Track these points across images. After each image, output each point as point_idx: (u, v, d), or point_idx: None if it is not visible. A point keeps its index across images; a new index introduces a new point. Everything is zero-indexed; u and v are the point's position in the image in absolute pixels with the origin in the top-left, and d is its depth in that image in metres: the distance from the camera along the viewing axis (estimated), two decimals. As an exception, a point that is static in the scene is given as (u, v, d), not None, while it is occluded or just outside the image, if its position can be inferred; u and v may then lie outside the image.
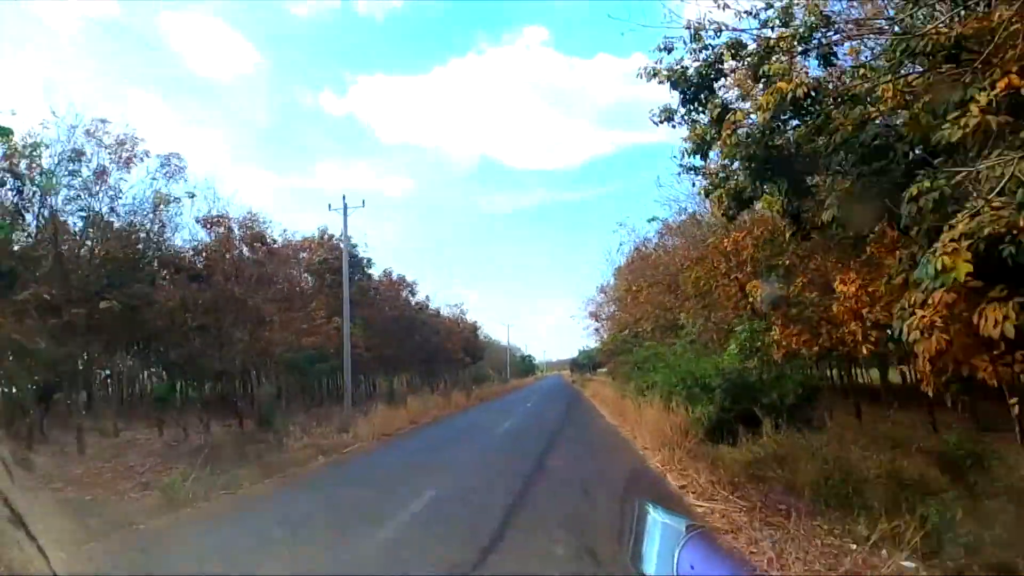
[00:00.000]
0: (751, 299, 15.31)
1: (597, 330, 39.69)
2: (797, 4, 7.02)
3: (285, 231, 25.83)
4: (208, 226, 15.91)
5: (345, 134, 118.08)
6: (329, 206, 19.81)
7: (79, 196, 13.58)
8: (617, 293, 27.95)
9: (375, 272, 31.68)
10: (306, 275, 25.42)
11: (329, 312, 22.03)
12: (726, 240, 15.47)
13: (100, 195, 13.86)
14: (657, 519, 1.31)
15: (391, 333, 30.42)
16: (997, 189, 4.60)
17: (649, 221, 22.25)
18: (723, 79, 7.96)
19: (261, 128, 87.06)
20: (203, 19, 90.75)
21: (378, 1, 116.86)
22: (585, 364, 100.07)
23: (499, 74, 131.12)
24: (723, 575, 1.27)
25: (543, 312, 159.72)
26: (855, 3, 8.30)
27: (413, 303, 34.40)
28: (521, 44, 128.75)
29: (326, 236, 26.22)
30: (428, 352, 39.86)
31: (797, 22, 6.96)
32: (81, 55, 63.74)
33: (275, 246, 20.30)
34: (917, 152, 5.95)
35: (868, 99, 6.78)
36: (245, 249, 17.58)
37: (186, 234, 16.29)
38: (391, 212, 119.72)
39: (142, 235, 15.35)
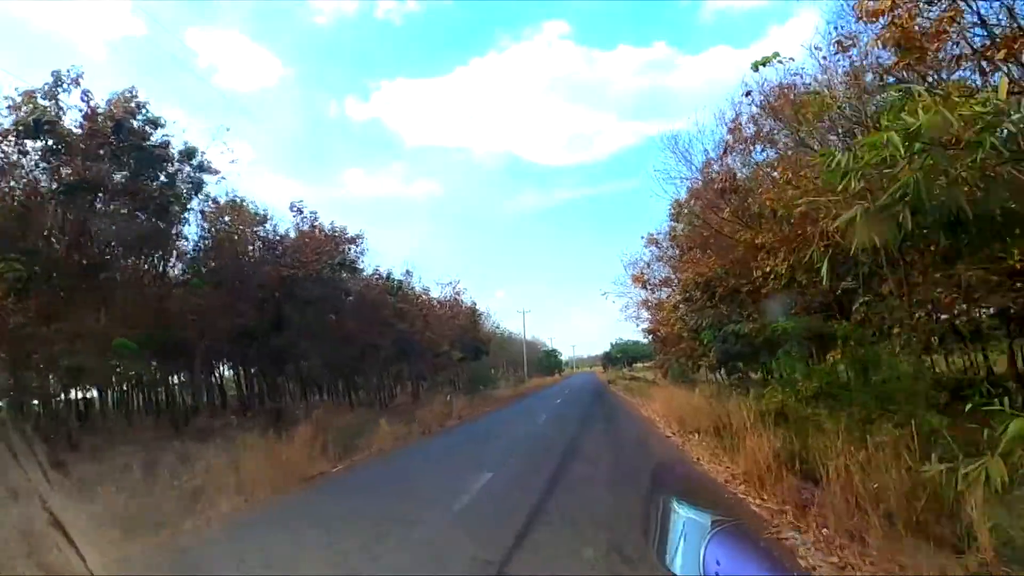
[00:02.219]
0: None
1: (645, 303, 26.21)
2: None
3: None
4: None
5: (370, 140, 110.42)
6: None
7: None
8: (688, 223, 14.55)
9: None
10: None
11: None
12: None
13: None
14: (682, 514, 1.26)
15: (288, 314, 17.75)
16: None
17: (746, 94, 11.40)
18: None
19: (289, 139, 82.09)
20: (227, 35, 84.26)
21: (396, 6, 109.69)
22: (619, 358, 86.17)
23: (521, 71, 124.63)
24: (750, 573, 1.19)
25: (574, 308, 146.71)
26: None
27: (337, 262, 21.31)
28: (541, 40, 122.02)
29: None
30: (399, 344, 27.24)
31: None
32: (110, 76, 57.28)
33: None
34: None
35: None
36: None
37: None
38: (419, 217, 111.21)
39: None
